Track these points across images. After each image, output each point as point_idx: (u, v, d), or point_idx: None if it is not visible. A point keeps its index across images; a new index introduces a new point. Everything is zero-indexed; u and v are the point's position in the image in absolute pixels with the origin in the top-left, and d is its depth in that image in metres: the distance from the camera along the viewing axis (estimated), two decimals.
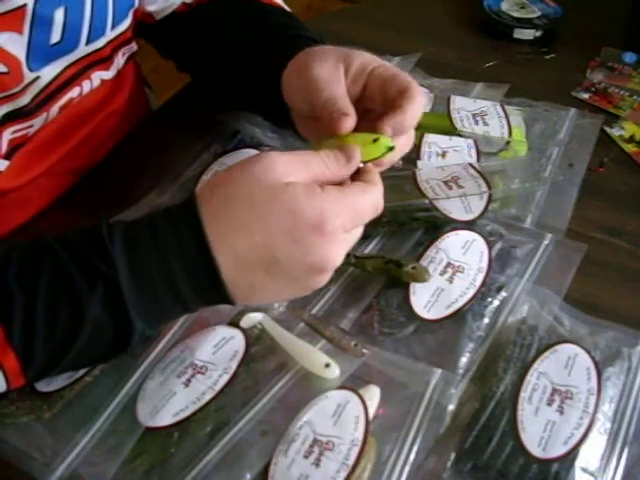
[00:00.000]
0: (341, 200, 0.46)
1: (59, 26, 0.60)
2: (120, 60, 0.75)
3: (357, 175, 0.50)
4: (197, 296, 0.46)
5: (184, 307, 0.47)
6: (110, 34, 0.67)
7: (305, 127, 0.63)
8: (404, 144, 0.57)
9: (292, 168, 0.46)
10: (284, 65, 0.61)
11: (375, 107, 0.57)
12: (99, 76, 0.71)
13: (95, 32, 0.65)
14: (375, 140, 0.52)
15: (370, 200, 0.48)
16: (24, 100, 0.62)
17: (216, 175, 0.47)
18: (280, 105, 0.63)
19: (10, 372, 0.45)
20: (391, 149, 0.52)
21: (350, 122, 0.53)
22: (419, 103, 0.55)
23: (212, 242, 0.44)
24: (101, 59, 0.69)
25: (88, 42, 0.65)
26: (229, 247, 0.45)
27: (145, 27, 0.76)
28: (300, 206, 0.44)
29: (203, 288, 0.46)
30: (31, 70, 0.60)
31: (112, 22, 0.66)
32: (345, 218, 0.46)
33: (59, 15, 0.59)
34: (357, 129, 0.54)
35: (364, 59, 0.58)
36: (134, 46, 0.76)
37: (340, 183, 0.49)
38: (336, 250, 0.46)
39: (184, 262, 0.45)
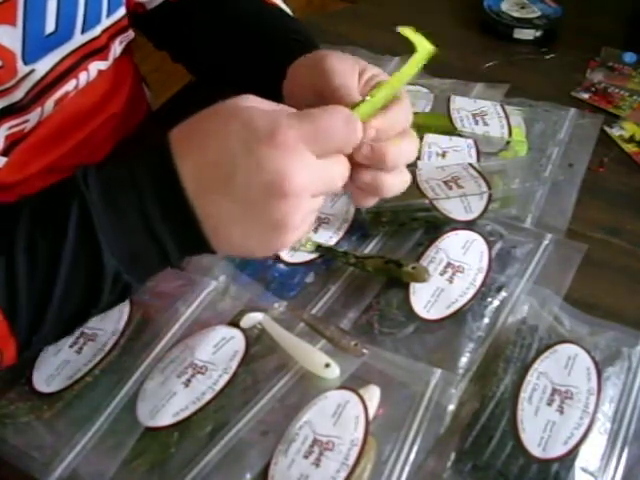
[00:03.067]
0: (299, 115, 0.45)
1: (53, 15, 0.59)
2: (117, 48, 0.74)
3: None
4: (166, 224, 0.45)
5: (159, 246, 0.46)
6: (106, 22, 0.67)
7: None
8: (409, 150, 0.54)
9: (264, 104, 0.46)
10: (288, 60, 0.61)
11: None
12: (96, 67, 0.71)
13: (90, 20, 0.64)
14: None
15: (333, 119, 0.45)
16: (18, 95, 0.61)
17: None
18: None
19: None
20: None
21: None
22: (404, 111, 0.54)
23: (177, 162, 0.44)
24: (97, 49, 0.69)
25: (84, 30, 0.64)
26: (190, 164, 0.44)
27: (137, 17, 0.75)
28: (254, 118, 0.44)
29: (169, 209, 0.45)
30: (26, 63, 0.59)
31: (107, 9, 0.66)
32: (302, 131, 0.43)
33: (52, 3, 0.59)
34: None
35: (375, 71, 0.58)
36: (131, 34, 0.76)
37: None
38: (294, 166, 0.43)
39: (154, 189, 0.44)
